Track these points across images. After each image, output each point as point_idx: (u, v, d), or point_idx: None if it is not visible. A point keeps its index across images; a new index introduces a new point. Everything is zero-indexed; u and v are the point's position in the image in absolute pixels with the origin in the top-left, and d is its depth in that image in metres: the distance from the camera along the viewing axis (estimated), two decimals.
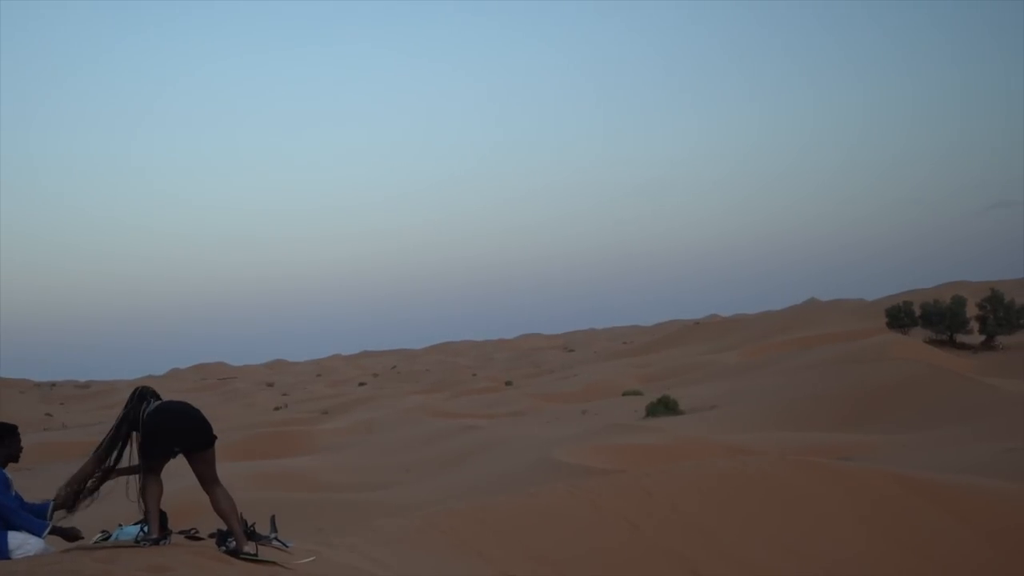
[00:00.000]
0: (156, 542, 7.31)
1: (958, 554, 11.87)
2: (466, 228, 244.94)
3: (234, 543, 7.37)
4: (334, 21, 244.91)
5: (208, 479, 7.48)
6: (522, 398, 54.42)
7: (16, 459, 7.61)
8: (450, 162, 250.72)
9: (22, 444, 7.70)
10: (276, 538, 7.76)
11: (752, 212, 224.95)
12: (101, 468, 7.61)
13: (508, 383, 71.99)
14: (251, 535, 7.54)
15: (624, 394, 48.45)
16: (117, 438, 7.62)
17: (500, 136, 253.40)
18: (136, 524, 7.62)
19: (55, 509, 7.61)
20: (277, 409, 69.77)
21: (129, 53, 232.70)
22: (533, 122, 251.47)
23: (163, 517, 7.70)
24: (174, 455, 7.49)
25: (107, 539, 7.44)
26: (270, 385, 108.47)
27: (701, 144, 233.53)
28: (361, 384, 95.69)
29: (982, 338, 48.60)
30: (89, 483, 7.65)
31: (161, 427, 7.40)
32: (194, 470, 7.52)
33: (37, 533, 7.20)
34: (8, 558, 7.13)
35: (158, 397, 7.77)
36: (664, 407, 37.03)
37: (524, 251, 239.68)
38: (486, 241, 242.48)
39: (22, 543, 7.22)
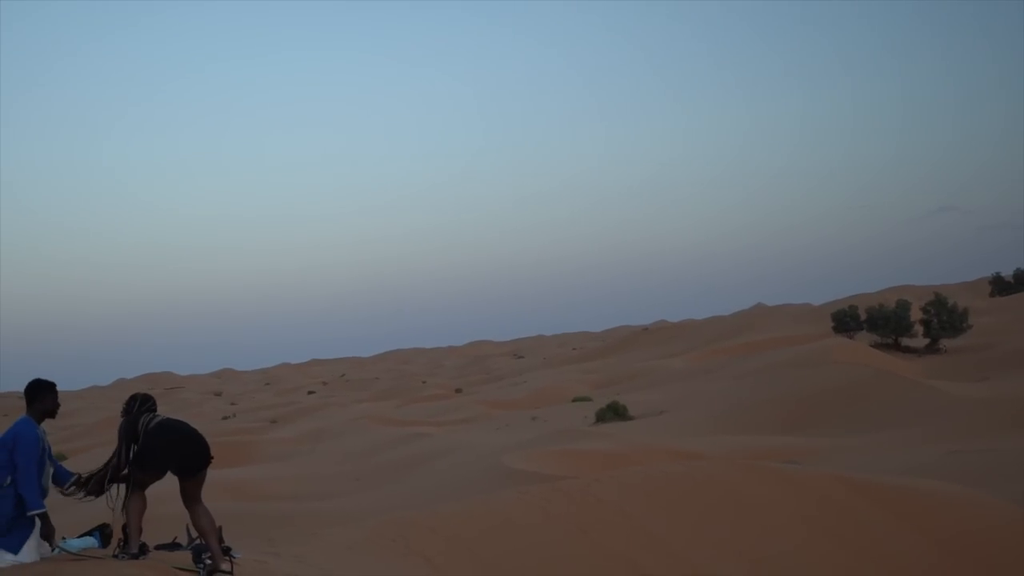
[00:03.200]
0: (135, 556, 7.32)
1: (904, 556, 12.00)
2: (413, 236, 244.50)
3: (211, 560, 7.42)
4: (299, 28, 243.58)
5: (194, 497, 7.55)
6: (472, 405, 54.37)
7: (53, 415, 7.76)
8: (396, 174, 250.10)
9: (59, 401, 7.74)
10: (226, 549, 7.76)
11: (699, 218, 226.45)
12: (114, 475, 7.63)
13: (458, 390, 71.90)
14: (226, 551, 7.56)
15: (574, 400, 48.55)
16: (124, 450, 7.62)
17: (445, 147, 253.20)
18: (81, 536, 7.58)
19: (74, 483, 7.63)
20: (225, 419, 69.17)
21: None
22: (472, 133, 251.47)
23: (107, 529, 7.66)
24: (165, 474, 7.52)
25: (52, 552, 7.38)
26: (218, 395, 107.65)
27: (645, 150, 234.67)
28: (310, 393, 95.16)
29: (926, 341, 49.20)
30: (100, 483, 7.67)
31: (163, 446, 7.44)
32: (182, 487, 7.57)
33: (32, 506, 7.15)
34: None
35: (154, 406, 7.79)
36: (613, 413, 37.14)
37: (472, 258, 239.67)
38: (434, 249, 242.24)
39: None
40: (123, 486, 7.60)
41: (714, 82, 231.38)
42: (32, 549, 7.23)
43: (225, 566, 7.41)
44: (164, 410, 8.09)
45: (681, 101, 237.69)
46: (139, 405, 7.75)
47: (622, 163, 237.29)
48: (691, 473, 12.49)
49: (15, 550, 7.18)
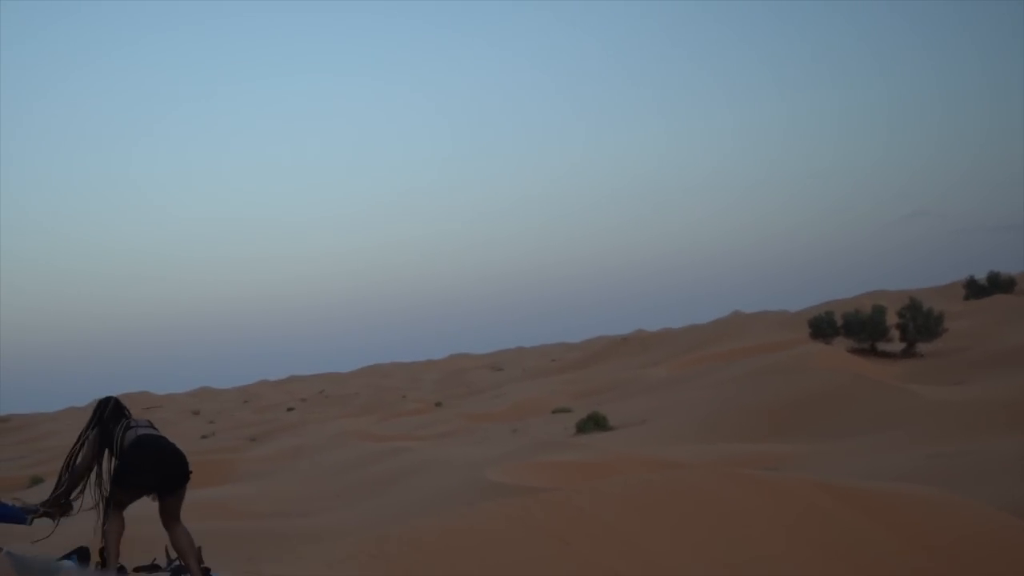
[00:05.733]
0: None
1: (885, 562, 12.02)
2: (388, 249, 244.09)
3: None
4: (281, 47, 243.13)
5: (173, 516, 7.43)
6: (452, 419, 54.31)
7: None
8: (368, 185, 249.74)
9: None
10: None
11: (676, 227, 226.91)
12: (77, 479, 7.52)
13: (438, 404, 71.79)
14: (205, 572, 7.48)
15: (554, 411, 48.54)
16: (99, 453, 7.51)
17: (417, 156, 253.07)
18: (59, 560, 7.50)
19: (39, 516, 7.49)
20: (204, 437, 68.86)
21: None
22: (442, 141, 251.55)
23: (85, 552, 7.58)
24: (147, 493, 7.41)
25: None
26: (196, 413, 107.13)
27: (621, 159, 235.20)
28: (289, 409, 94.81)
29: (903, 346, 49.44)
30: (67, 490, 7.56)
31: (143, 464, 7.31)
32: (161, 505, 7.45)
33: None
34: None
35: (122, 412, 7.67)
36: (594, 423, 37.16)
37: (448, 270, 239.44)
38: (410, 261, 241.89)
39: None
40: (100, 507, 7.51)
41: (690, 91, 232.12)
42: None
43: None
44: None
45: (659, 109, 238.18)
46: (110, 411, 7.63)
47: (597, 172, 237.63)
48: (671, 482, 12.49)
49: None
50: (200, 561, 7.55)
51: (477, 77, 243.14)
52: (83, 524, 7.77)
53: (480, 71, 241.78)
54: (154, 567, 7.87)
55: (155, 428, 7.72)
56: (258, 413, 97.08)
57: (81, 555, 7.57)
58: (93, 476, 7.58)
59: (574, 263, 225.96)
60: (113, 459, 7.51)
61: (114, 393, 7.95)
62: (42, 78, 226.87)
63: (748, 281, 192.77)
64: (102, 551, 7.37)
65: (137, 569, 7.74)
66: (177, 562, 7.62)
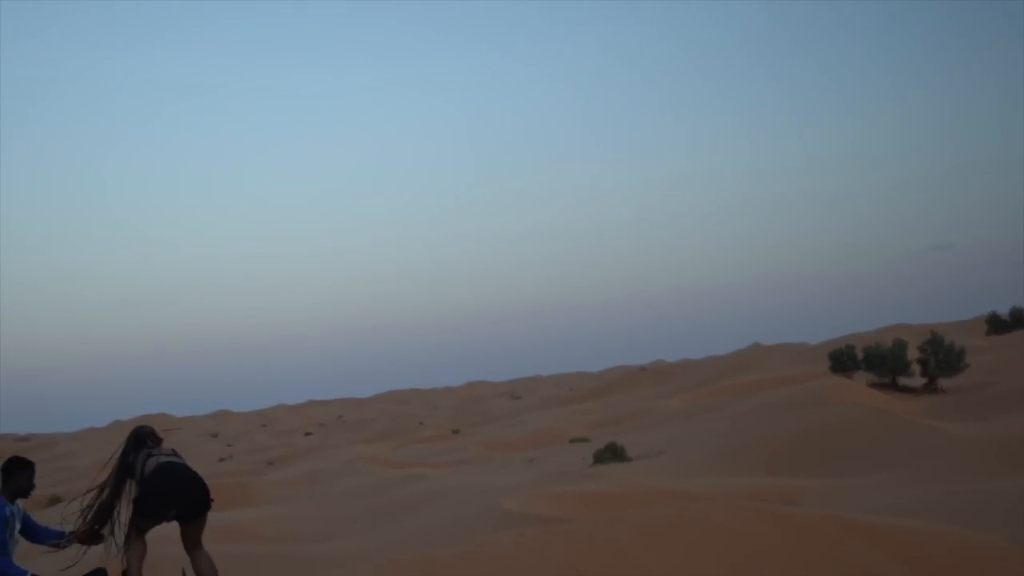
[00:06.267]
0: None
1: None
2: (409, 277, 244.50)
3: None
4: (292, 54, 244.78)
5: (194, 541, 7.48)
6: (469, 446, 54.25)
7: (26, 495, 7.57)
8: (391, 212, 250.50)
9: (35, 482, 7.63)
10: None
11: (695, 256, 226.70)
12: (107, 512, 7.59)
13: (455, 431, 71.74)
14: None
15: (571, 441, 48.43)
16: (120, 484, 7.58)
17: (436, 182, 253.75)
18: None
19: (70, 540, 7.58)
20: (222, 460, 69.02)
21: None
22: (462, 167, 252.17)
23: (103, 573, 7.62)
24: (168, 520, 7.46)
25: None
26: (214, 436, 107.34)
27: (639, 185, 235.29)
28: (307, 434, 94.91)
29: (924, 381, 49.08)
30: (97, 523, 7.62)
31: (161, 491, 7.35)
32: (182, 531, 7.51)
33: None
34: None
35: (157, 440, 7.72)
36: (611, 454, 37.03)
37: (468, 298, 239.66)
38: (430, 289, 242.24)
39: None
40: (122, 532, 7.57)
41: (709, 120, 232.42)
42: None
43: None
44: None
45: (677, 138, 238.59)
46: (133, 443, 7.69)
47: (616, 198, 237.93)
48: (690, 514, 12.44)
49: None
50: None
51: (497, 103, 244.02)
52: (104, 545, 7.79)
53: (501, 96, 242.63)
54: None
55: (178, 456, 7.73)
56: (276, 437, 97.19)
57: None
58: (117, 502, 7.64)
59: (593, 291, 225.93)
60: (134, 486, 7.56)
61: (132, 414, 8.03)
62: (42, 80, 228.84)
63: (769, 311, 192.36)
64: (124, 573, 7.40)
65: None
66: None
